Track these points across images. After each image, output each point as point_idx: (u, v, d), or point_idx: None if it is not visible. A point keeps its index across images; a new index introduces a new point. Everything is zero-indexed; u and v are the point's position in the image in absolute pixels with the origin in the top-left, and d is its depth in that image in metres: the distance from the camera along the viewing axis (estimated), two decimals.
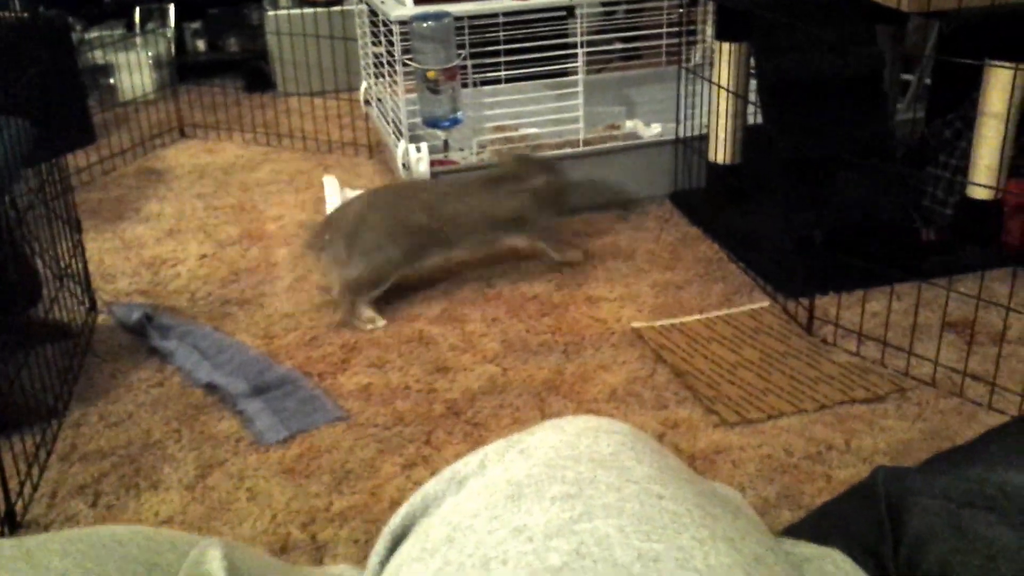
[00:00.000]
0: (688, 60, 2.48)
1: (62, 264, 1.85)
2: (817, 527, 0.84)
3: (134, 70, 3.37)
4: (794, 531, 0.82)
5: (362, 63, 2.87)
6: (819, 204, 1.97)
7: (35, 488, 1.48)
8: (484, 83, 2.62)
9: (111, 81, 3.43)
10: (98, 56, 3.37)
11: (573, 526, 0.50)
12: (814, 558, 0.67)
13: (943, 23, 2.07)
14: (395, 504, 1.41)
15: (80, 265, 1.96)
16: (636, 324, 1.88)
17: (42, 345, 1.69)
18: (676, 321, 1.89)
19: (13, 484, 1.42)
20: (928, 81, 2.55)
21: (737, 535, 0.53)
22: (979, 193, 1.99)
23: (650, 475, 0.56)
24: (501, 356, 1.79)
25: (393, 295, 2.03)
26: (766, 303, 1.95)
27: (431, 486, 0.62)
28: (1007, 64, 1.86)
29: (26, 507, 1.43)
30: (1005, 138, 1.91)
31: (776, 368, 1.72)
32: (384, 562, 0.61)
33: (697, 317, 1.90)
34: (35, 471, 1.50)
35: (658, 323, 1.89)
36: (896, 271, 1.90)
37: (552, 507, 0.52)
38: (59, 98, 2.88)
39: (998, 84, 1.89)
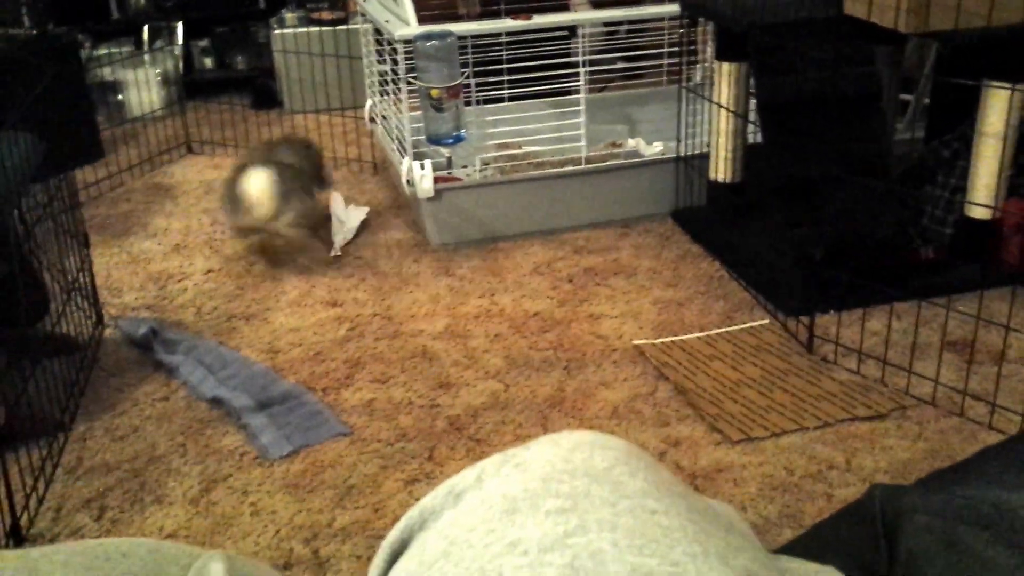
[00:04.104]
0: (689, 80, 2.50)
1: (70, 278, 1.87)
2: (813, 545, 0.84)
3: (142, 87, 3.40)
4: (790, 548, 0.83)
5: (367, 81, 2.90)
6: (818, 222, 1.98)
7: (40, 502, 1.49)
8: (487, 101, 2.65)
9: (119, 98, 3.46)
10: (107, 73, 3.40)
11: (567, 540, 0.51)
12: (809, 575, 0.68)
13: (941, 44, 2.09)
14: (397, 520, 1.42)
15: (87, 279, 1.98)
16: (638, 341, 1.90)
17: (49, 359, 1.71)
18: (677, 338, 1.90)
19: (19, 498, 1.44)
20: (927, 101, 2.57)
21: (730, 551, 0.54)
22: (978, 212, 2.00)
23: (644, 490, 0.57)
24: (503, 372, 1.81)
25: (398, 308, 2.05)
26: (766, 320, 1.96)
27: (429, 500, 0.63)
28: (1005, 84, 1.87)
29: (31, 521, 1.45)
30: (1003, 158, 1.92)
31: (777, 386, 1.73)
32: None
33: (698, 335, 1.91)
34: (41, 485, 1.51)
35: (659, 340, 1.90)
36: (895, 289, 1.91)
37: (547, 521, 0.53)
38: (68, 114, 2.91)
39: (996, 104, 1.90)
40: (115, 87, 3.46)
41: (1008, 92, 1.87)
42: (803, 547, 0.85)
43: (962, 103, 2.12)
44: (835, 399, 1.68)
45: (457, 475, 0.63)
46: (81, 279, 1.94)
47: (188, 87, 3.62)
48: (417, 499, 0.56)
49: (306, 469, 1.55)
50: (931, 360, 1.77)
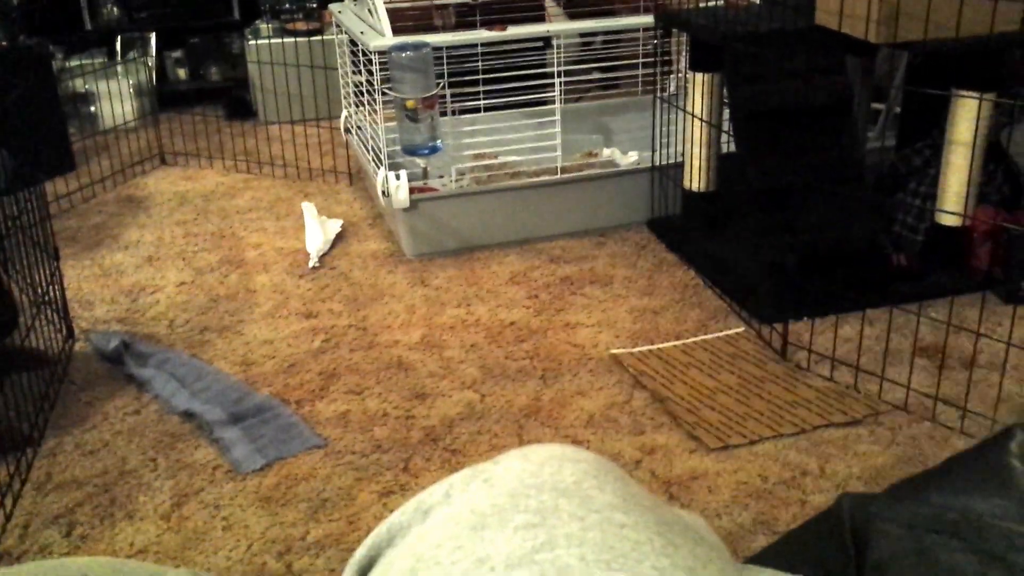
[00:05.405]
0: (663, 90, 2.52)
1: (39, 291, 1.84)
2: (783, 554, 0.85)
3: (115, 98, 3.37)
4: (760, 558, 0.83)
5: (342, 92, 2.89)
6: (791, 230, 2.00)
7: (8, 518, 1.46)
8: (463, 112, 2.65)
9: (92, 109, 3.43)
10: (79, 84, 3.37)
11: (535, 556, 0.51)
12: None
13: (911, 54, 2.11)
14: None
15: (58, 292, 1.96)
16: (614, 350, 1.90)
17: (18, 373, 1.68)
18: (654, 347, 1.91)
19: None
20: (898, 110, 2.60)
21: (698, 563, 0.54)
22: (948, 220, 2.03)
23: (612, 503, 0.57)
24: (479, 382, 1.80)
25: (373, 319, 2.04)
26: (741, 328, 1.97)
27: (397, 516, 0.62)
28: (973, 94, 1.90)
29: None
30: (972, 166, 1.95)
31: (754, 393, 1.74)
32: None
33: (674, 343, 1.92)
34: (8, 501, 1.49)
35: (636, 349, 1.90)
36: (867, 296, 1.93)
37: (515, 537, 0.53)
38: (39, 126, 2.88)
39: (965, 113, 1.93)
40: (87, 98, 3.42)
41: (976, 101, 1.90)
42: (773, 557, 0.85)
43: (932, 112, 2.14)
44: (811, 405, 1.69)
45: (426, 491, 0.63)
46: (51, 292, 1.91)
47: (161, 98, 3.59)
48: (392, 511, 0.55)
49: (279, 482, 1.53)
50: (903, 366, 1.78)
